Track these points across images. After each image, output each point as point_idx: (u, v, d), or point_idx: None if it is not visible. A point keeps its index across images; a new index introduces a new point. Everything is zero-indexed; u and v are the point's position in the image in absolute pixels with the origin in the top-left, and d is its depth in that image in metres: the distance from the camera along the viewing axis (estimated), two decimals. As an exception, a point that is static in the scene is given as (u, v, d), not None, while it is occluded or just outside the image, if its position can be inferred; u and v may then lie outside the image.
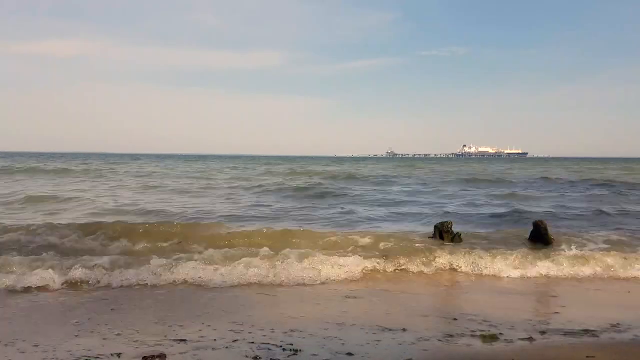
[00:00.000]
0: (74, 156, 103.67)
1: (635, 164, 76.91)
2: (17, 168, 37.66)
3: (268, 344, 4.71)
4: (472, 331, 5.11)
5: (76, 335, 4.90)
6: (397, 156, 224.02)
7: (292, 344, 4.69)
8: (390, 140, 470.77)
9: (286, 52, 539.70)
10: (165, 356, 4.39)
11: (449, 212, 14.65)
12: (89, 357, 4.36)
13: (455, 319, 5.54)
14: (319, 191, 21.68)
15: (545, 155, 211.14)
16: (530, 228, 9.90)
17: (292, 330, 5.10)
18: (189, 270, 7.23)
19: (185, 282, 6.99)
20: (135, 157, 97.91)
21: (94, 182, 26.08)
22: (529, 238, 9.79)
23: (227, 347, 4.62)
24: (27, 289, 6.53)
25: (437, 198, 19.81)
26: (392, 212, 14.92)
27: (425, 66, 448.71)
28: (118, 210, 14.23)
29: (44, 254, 8.02)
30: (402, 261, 8.14)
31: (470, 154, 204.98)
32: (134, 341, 4.76)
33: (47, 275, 6.77)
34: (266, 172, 39.77)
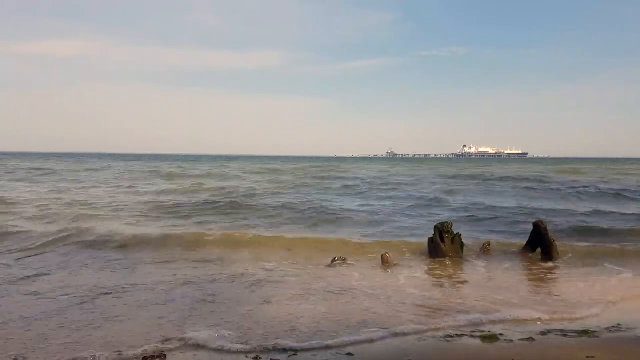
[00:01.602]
0: (72, 156, 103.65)
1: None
2: None
3: (268, 343, 4.71)
4: (472, 331, 5.11)
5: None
6: (397, 156, 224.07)
7: (292, 343, 4.69)
8: (390, 140, 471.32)
9: (286, 52, 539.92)
10: (165, 356, 4.39)
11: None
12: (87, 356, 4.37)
13: (455, 320, 5.54)
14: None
15: (545, 155, 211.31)
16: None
17: (292, 330, 5.10)
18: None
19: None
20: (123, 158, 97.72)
21: None
22: (528, 240, 9.74)
23: (227, 347, 4.63)
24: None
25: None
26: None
27: (425, 66, 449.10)
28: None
29: None
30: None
31: (470, 154, 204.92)
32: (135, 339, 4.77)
33: None
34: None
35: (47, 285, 6.98)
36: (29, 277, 7.47)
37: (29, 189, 22.40)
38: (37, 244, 10.13)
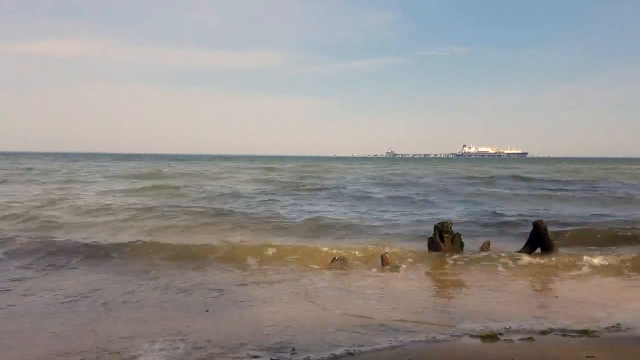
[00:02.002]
0: (70, 156, 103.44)
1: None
2: None
3: (268, 343, 4.71)
4: (472, 331, 5.10)
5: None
6: (397, 156, 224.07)
7: (292, 343, 4.69)
8: (390, 140, 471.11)
9: (286, 52, 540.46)
10: (165, 356, 4.38)
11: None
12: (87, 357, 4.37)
13: (455, 319, 5.54)
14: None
15: (545, 155, 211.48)
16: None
17: (292, 330, 5.10)
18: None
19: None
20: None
21: None
22: (528, 240, 9.72)
23: (227, 347, 4.62)
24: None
25: None
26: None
27: (425, 66, 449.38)
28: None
29: None
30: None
31: (470, 154, 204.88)
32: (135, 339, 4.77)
33: None
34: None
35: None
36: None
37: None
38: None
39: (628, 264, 8.41)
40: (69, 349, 4.60)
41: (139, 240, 9.96)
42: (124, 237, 10.74)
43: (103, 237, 10.62)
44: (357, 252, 9.12)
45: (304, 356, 4.40)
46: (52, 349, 4.59)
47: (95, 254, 9.14)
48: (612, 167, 58.31)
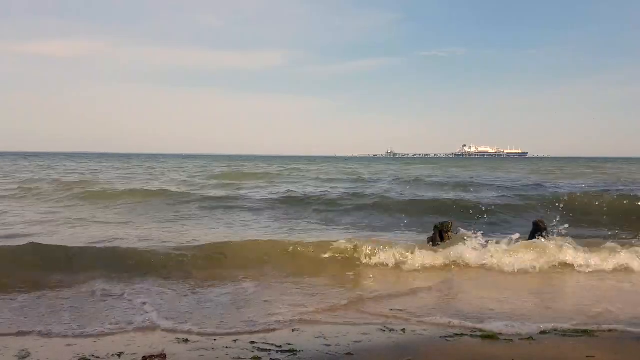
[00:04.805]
0: (74, 156, 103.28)
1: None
2: None
3: (268, 343, 4.71)
4: (472, 331, 5.10)
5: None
6: (397, 156, 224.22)
7: (291, 344, 4.69)
8: (391, 140, 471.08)
9: (287, 52, 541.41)
10: (165, 356, 4.38)
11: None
12: (87, 357, 4.36)
13: (455, 319, 5.54)
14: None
15: (545, 155, 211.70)
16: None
17: (292, 330, 5.10)
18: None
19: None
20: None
21: None
22: (528, 238, 9.70)
23: (227, 347, 4.62)
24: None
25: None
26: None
27: (425, 66, 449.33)
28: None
29: None
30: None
31: (470, 154, 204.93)
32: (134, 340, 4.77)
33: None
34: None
35: None
36: None
37: None
38: None
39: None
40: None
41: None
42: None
43: None
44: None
45: (303, 356, 4.40)
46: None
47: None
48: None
